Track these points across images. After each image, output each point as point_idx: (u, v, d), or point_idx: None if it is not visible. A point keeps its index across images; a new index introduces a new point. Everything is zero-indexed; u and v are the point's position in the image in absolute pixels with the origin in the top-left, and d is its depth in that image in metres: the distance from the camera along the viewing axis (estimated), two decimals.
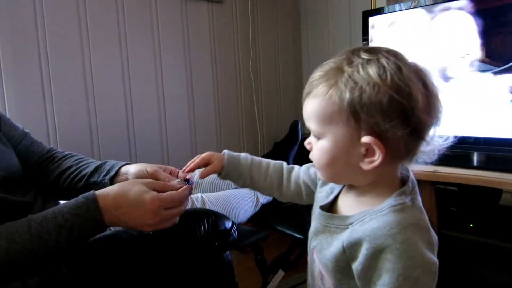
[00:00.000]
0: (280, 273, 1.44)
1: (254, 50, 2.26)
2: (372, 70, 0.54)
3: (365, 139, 0.55)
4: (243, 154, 0.82)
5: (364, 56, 0.56)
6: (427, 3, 1.57)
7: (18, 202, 0.77)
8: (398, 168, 0.61)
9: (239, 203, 1.43)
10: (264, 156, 2.00)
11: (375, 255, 0.54)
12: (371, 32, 1.72)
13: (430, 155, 0.60)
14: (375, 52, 0.56)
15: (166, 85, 1.92)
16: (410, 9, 1.61)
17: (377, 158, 0.55)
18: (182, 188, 0.74)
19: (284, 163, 0.84)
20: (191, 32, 1.98)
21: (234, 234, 0.85)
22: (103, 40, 1.69)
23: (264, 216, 1.52)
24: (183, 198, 0.74)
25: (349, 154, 0.58)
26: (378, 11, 1.74)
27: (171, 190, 0.73)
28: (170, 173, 0.83)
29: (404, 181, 0.62)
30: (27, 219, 0.65)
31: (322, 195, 0.71)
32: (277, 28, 2.39)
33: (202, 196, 1.40)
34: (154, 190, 0.72)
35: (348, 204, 0.65)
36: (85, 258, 0.74)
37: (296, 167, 0.83)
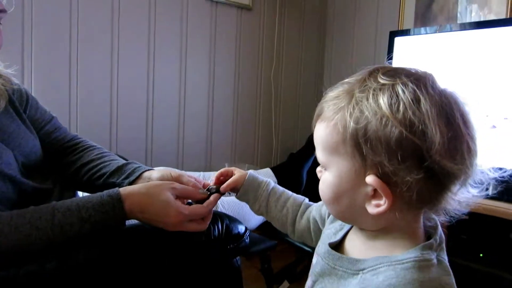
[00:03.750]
0: (285, 284, 1.45)
1: (278, 60, 2.29)
2: (383, 100, 0.45)
3: (369, 179, 0.47)
4: (266, 179, 0.79)
5: (381, 80, 0.47)
6: (453, 29, 1.58)
7: (38, 188, 0.79)
8: (419, 216, 0.52)
9: (251, 210, 1.44)
10: (278, 166, 2.02)
11: None
12: (395, 52, 1.73)
13: (462, 206, 0.50)
14: (395, 75, 0.47)
15: (188, 86, 1.95)
16: (436, 33, 1.62)
17: (383, 203, 0.47)
18: (207, 203, 0.75)
19: (306, 199, 0.78)
20: (218, 36, 2.02)
21: (247, 240, 0.86)
22: (132, 36, 1.74)
23: None
24: (208, 213, 0.75)
25: (354, 193, 0.50)
26: (405, 33, 1.75)
27: (194, 197, 0.75)
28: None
29: (428, 232, 0.53)
30: (52, 207, 0.67)
31: (330, 232, 0.63)
32: (303, 39, 2.41)
33: None
34: (179, 196, 0.73)
35: (357, 247, 0.56)
36: (100, 247, 0.75)
37: (314, 204, 0.76)
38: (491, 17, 1.74)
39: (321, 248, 0.60)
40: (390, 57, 1.71)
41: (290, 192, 0.79)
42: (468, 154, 0.46)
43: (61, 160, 0.93)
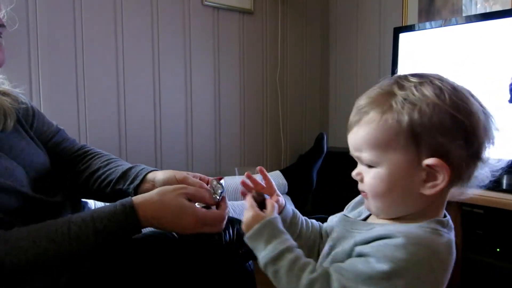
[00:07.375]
0: None
1: (282, 62, 2.28)
2: (428, 91, 0.53)
3: (430, 161, 0.53)
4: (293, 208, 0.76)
5: (414, 80, 0.55)
6: (459, 22, 1.56)
7: (50, 202, 0.80)
8: (446, 196, 0.59)
9: None
10: (287, 168, 2.01)
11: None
12: (401, 49, 1.72)
13: (483, 178, 0.58)
14: (424, 76, 0.55)
15: (194, 92, 1.96)
16: (441, 27, 1.60)
17: (441, 180, 0.53)
18: (222, 208, 0.75)
19: (319, 222, 0.77)
20: (221, 42, 2.02)
21: None
22: (136, 47, 1.75)
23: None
24: (223, 218, 0.75)
25: (409, 180, 0.55)
26: (409, 28, 1.73)
27: (205, 200, 0.75)
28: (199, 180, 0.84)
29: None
30: (67, 220, 0.67)
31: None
32: (306, 40, 2.40)
33: None
34: (191, 199, 0.73)
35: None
36: (110, 256, 0.76)
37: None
38: (497, 8, 1.72)
39: (334, 220, 0.68)
40: (395, 55, 1.71)
41: (306, 218, 0.77)
42: (494, 127, 0.56)
43: (72, 170, 0.93)
